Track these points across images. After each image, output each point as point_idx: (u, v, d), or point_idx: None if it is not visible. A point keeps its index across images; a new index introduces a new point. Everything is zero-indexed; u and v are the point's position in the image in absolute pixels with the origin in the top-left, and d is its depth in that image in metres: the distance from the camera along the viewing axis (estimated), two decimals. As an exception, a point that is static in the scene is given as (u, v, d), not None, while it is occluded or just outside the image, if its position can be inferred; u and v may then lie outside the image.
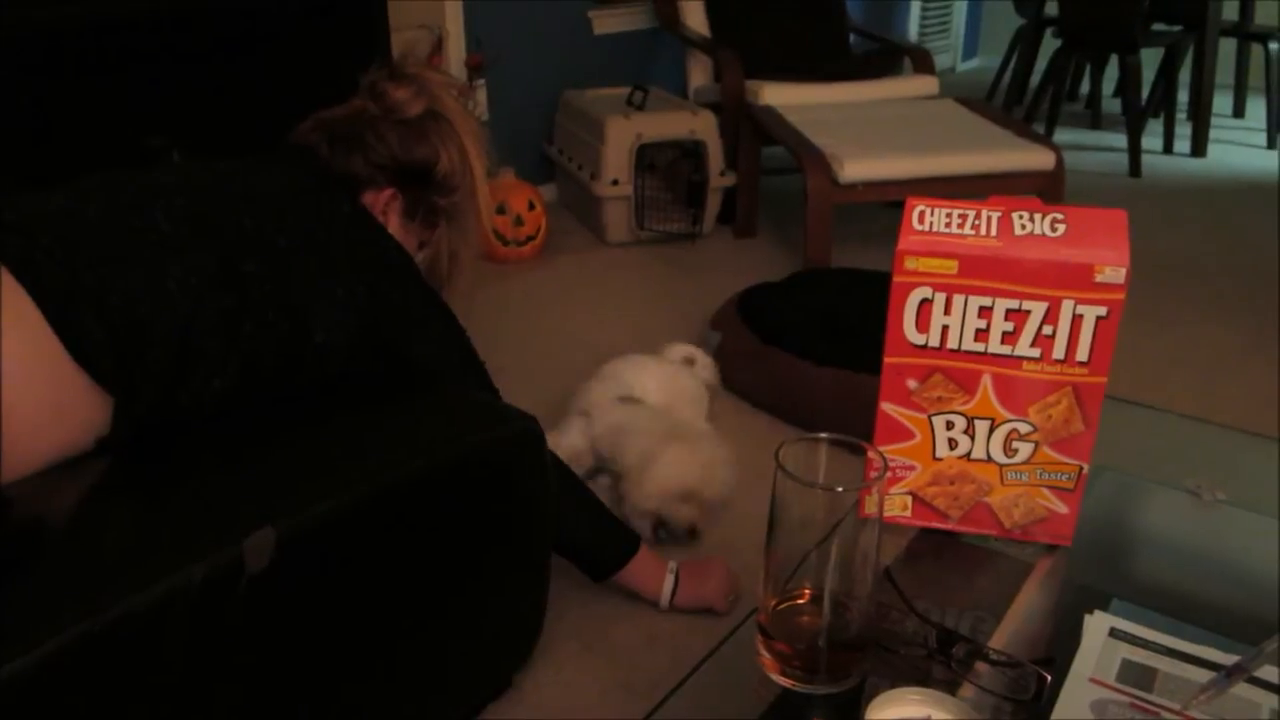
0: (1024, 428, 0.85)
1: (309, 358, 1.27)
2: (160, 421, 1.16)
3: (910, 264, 0.81)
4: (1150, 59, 4.49)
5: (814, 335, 2.27)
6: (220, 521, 1.04)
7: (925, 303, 0.82)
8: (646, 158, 3.27)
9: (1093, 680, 0.74)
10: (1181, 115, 4.72)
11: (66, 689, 0.89)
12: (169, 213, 1.20)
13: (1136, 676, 0.74)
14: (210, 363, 1.17)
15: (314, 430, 1.24)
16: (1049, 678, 0.71)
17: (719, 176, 3.36)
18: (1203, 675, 0.73)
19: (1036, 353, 0.82)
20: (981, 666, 0.75)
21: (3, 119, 2.01)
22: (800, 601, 0.74)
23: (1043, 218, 0.80)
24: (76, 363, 1.07)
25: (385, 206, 1.46)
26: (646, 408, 1.96)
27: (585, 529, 1.53)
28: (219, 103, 2.33)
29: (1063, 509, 0.88)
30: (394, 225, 1.47)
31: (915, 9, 5.79)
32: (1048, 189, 2.91)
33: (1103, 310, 0.79)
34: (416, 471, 1.20)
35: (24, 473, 1.08)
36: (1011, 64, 5.13)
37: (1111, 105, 5.17)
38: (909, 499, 0.90)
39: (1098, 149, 4.53)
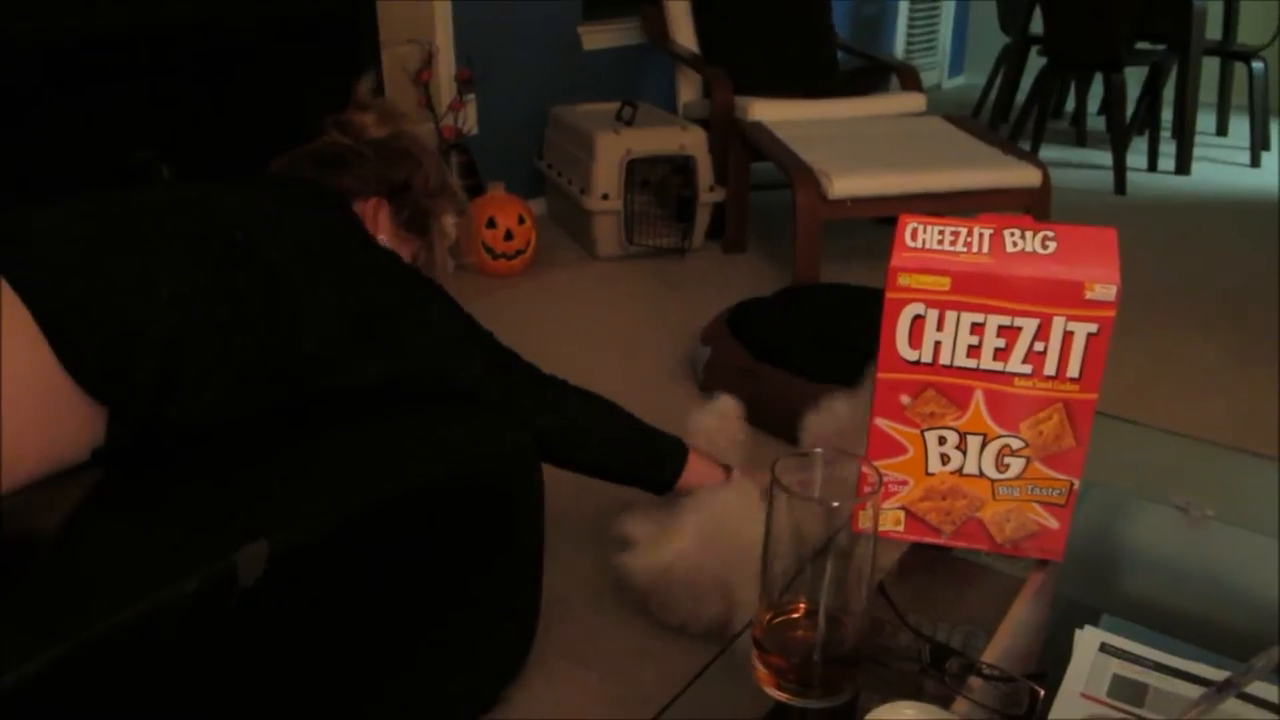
0: (1015, 443, 0.86)
1: (299, 369, 1.27)
2: (152, 433, 1.16)
3: (903, 280, 0.82)
4: (1135, 77, 4.54)
5: (804, 350, 2.28)
6: (213, 534, 1.04)
7: (918, 319, 0.83)
8: (636, 173, 3.29)
9: (1084, 695, 0.74)
10: (1165, 133, 4.77)
11: (57, 703, 0.88)
12: (160, 226, 1.20)
13: (1128, 692, 0.74)
14: (200, 374, 1.16)
15: (307, 443, 1.24)
16: (1042, 692, 0.71)
17: (708, 192, 3.37)
18: (1194, 691, 0.74)
19: (1028, 369, 0.83)
20: (974, 681, 0.75)
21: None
22: (795, 616, 0.74)
23: (1034, 235, 0.81)
24: (68, 373, 1.07)
25: (374, 213, 1.50)
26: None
27: (640, 457, 1.55)
28: (208, 118, 2.33)
29: (1054, 524, 0.89)
30: (385, 231, 1.52)
31: (902, 26, 5.83)
32: (1033, 206, 2.93)
33: (1093, 327, 0.80)
34: (410, 485, 1.20)
35: (16, 483, 1.07)
36: (997, 81, 5.17)
37: (1096, 123, 5.22)
38: (902, 514, 0.91)
39: (1083, 166, 4.57)
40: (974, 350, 0.83)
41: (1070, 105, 5.32)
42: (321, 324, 1.28)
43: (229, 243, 1.22)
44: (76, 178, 2.10)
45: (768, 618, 0.74)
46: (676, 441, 1.58)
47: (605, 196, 3.26)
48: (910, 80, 3.75)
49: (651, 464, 1.56)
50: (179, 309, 1.15)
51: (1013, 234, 0.81)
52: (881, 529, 0.91)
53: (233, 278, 1.20)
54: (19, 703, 0.85)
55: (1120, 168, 4.16)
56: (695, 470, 1.58)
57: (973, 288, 0.81)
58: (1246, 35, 5.00)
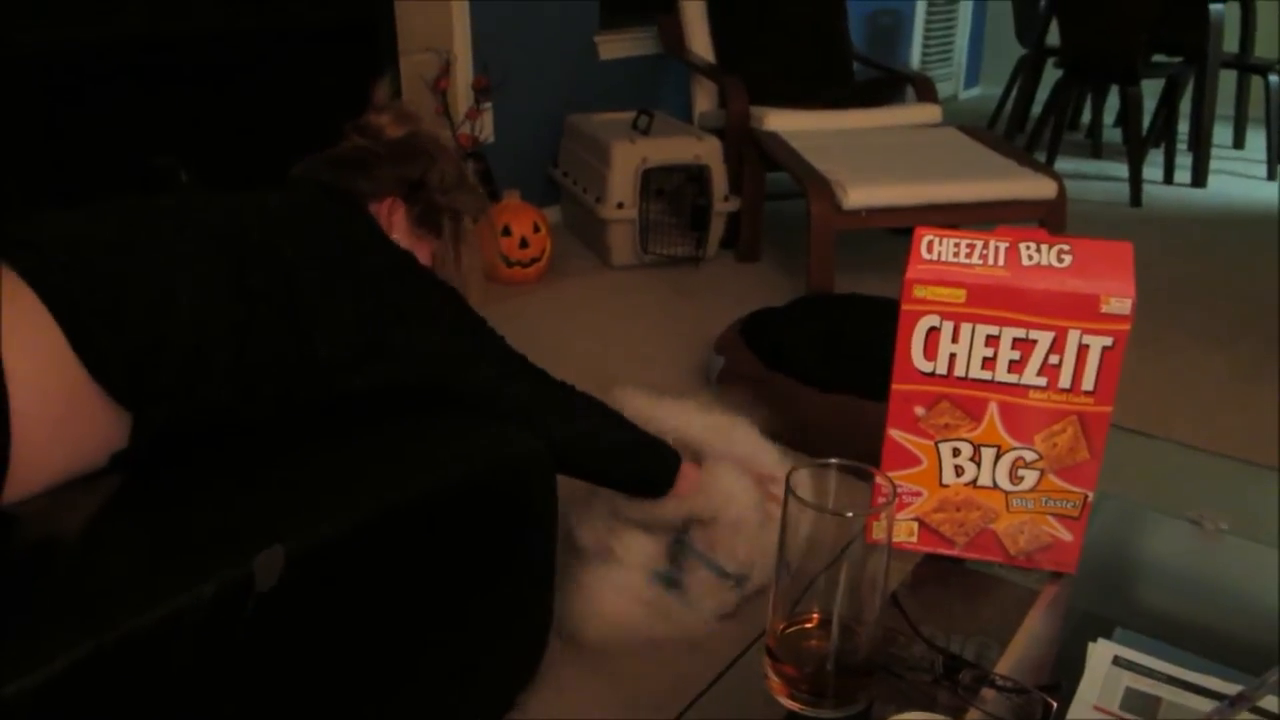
0: (1030, 455, 0.86)
1: (314, 371, 1.28)
2: (170, 435, 1.17)
3: (919, 292, 0.82)
4: (1151, 90, 4.52)
5: (817, 360, 2.28)
6: (230, 540, 1.05)
7: (933, 331, 0.83)
8: (652, 182, 3.29)
9: (1097, 708, 0.74)
10: (1182, 146, 4.76)
11: (75, 707, 0.89)
12: (181, 229, 1.22)
13: (1140, 705, 0.74)
14: (217, 375, 1.18)
15: (323, 450, 1.25)
16: (1055, 704, 0.72)
17: (723, 201, 3.38)
18: (1206, 704, 0.74)
19: (1043, 381, 0.83)
20: (988, 692, 0.75)
21: (14, 138, 2.03)
22: (808, 625, 0.75)
23: (1050, 248, 0.82)
24: (92, 377, 1.08)
25: (389, 213, 1.51)
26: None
27: (641, 466, 1.57)
28: (229, 125, 2.35)
29: (1067, 537, 0.89)
30: (401, 231, 1.52)
31: (918, 37, 5.84)
32: (1049, 218, 2.93)
33: (1108, 340, 0.81)
34: (425, 491, 1.21)
35: (38, 487, 1.08)
36: (1013, 93, 5.17)
37: (1112, 135, 5.20)
38: (915, 525, 0.91)
39: (1099, 178, 4.56)
40: (989, 362, 0.83)
41: (1086, 117, 5.31)
42: (336, 325, 1.29)
43: (246, 243, 1.24)
44: (96, 183, 2.12)
45: (781, 627, 0.75)
46: (673, 451, 1.60)
47: (620, 205, 3.27)
48: (926, 91, 3.75)
49: (651, 473, 1.58)
50: (198, 311, 1.16)
51: (1028, 247, 0.82)
52: (895, 540, 0.91)
53: (249, 278, 1.21)
54: (38, 706, 0.86)
55: (1136, 180, 4.15)
56: (686, 478, 1.61)
57: (988, 300, 0.81)
58: (1264, 48, 4.99)
